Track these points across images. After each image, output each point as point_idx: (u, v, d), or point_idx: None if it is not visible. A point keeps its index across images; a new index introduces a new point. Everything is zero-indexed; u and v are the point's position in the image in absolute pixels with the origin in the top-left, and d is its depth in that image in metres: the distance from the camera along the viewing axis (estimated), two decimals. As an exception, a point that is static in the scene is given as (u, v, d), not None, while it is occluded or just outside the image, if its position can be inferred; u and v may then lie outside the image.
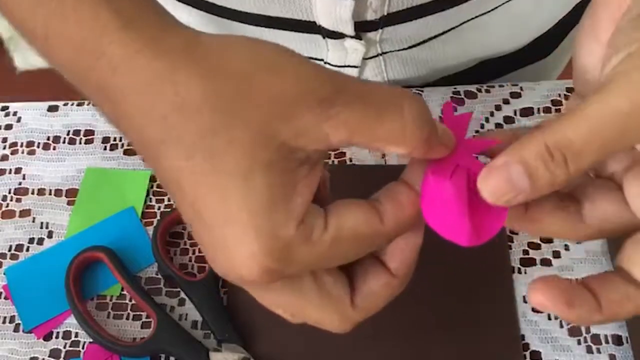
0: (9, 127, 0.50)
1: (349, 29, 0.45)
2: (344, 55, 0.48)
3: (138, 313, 0.44)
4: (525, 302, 0.43)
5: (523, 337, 0.42)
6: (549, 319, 0.42)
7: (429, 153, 0.27)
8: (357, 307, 0.29)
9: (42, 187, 0.48)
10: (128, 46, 0.25)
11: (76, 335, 0.43)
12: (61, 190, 0.48)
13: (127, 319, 0.43)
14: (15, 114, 0.51)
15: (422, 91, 0.50)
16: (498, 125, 0.49)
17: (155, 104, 0.25)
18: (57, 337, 0.43)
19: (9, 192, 0.48)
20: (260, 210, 0.25)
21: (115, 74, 0.25)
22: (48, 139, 0.50)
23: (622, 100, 0.24)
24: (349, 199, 0.27)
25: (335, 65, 0.49)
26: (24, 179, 0.48)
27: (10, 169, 0.49)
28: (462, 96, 0.50)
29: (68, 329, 0.43)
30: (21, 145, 0.49)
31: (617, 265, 0.28)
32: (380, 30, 0.46)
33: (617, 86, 0.25)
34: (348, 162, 0.48)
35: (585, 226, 0.28)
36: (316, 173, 0.26)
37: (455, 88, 0.50)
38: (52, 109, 0.51)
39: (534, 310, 0.43)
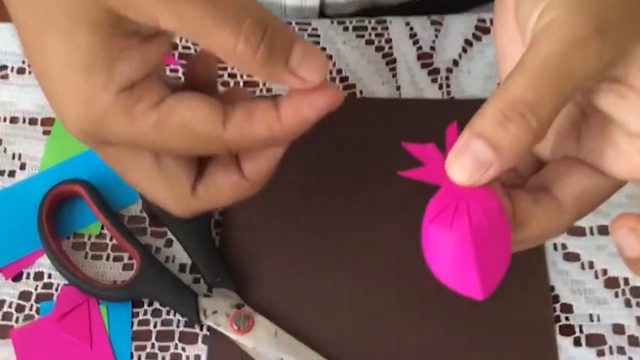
0: (-21, 49, 0.45)
1: None
2: None
3: (119, 254, 0.39)
4: (555, 249, 0.38)
5: (553, 288, 0.37)
6: (582, 268, 0.38)
7: (272, 79, 0.26)
8: (198, 195, 0.29)
9: (15, 115, 0.43)
10: None
11: (49, 277, 0.38)
12: (36, 119, 0.43)
13: (107, 260, 0.39)
14: (-14, 35, 0.45)
15: (442, 18, 0.45)
16: (527, 57, 0.44)
17: None
18: (27, 278, 0.38)
19: (-22, 120, 0.43)
20: (80, 70, 0.25)
21: None
22: (23, 62, 0.44)
23: (552, 44, 0.24)
24: (201, 93, 0.27)
25: None
26: (-5, 105, 0.43)
27: (-20, 95, 0.44)
28: (488, 24, 0.45)
29: (40, 269, 0.38)
30: (-7, 69, 0.44)
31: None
32: None
33: (542, 37, 0.25)
34: (359, 95, 0.43)
35: (564, 209, 0.27)
36: (152, 47, 0.26)
37: (480, 15, 0.45)
38: (29, 30, 0.45)
39: (565, 258, 0.38)
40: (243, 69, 0.27)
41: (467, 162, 0.24)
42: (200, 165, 0.29)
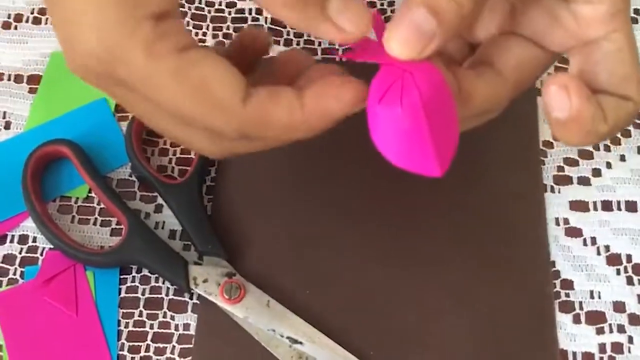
0: (-38, 1, 0.43)
1: None
2: None
3: (107, 218, 0.37)
4: (557, 224, 0.37)
5: (554, 263, 0.36)
6: (585, 244, 0.37)
7: (314, 28, 0.23)
8: (251, 103, 0.24)
9: (0, 71, 0.41)
10: None
11: (34, 240, 0.37)
12: (22, 75, 0.41)
13: (94, 224, 0.37)
14: (-30, -14, 0.43)
15: None
16: None
17: None
18: (11, 242, 0.37)
19: (-39, 76, 0.41)
20: None
21: None
22: (8, 17, 0.43)
23: None
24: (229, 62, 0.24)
25: None
26: (-21, 61, 0.41)
27: (-37, 49, 0.42)
28: None
29: (24, 232, 0.37)
30: (-24, 23, 0.42)
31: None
32: None
33: None
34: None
35: (506, 80, 0.27)
36: None
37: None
38: (14, -18, 0.43)
39: (567, 234, 0.37)
40: (273, 10, 0.24)
41: (408, 33, 0.23)
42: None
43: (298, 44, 0.42)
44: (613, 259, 0.36)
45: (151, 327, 0.35)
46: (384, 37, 0.24)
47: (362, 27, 0.24)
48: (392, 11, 0.43)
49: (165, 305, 0.36)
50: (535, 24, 0.27)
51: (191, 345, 0.35)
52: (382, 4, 0.43)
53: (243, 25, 0.43)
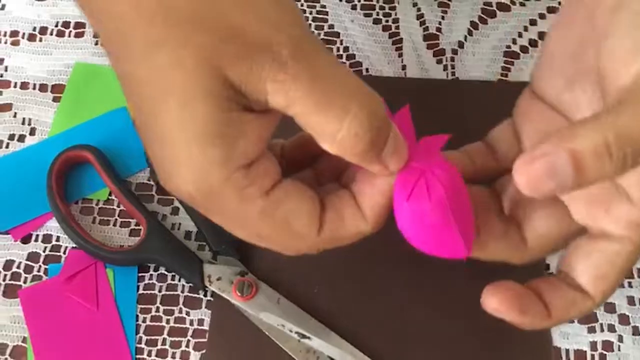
0: (-9, 14, 0.45)
1: None
2: None
3: (126, 220, 0.40)
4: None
5: (548, 266, 0.38)
6: (578, 248, 0.39)
7: (363, 165, 0.26)
8: (323, 231, 0.27)
9: (26, 80, 0.43)
10: None
11: (57, 240, 0.39)
12: (46, 85, 0.43)
13: (115, 225, 0.39)
14: (-2, 0, 0.46)
15: (449, 1, 0.46)
16: (532, 42, 0.44)
17: None
18: (36, 240, 0.39)
19: (-11, 84, 0.43)
20: (198, 141, 0.24)
21: None
22: (34, 29, 0.45)
23: None
24: (304, 185, 0.27)
25: None
26: (5, 70, 0.43)
27: (-9, 59, 0.44)
28: (494, 8, 0.46)
29: (49, 232, 0.39)
30: (4, 35, 0.45)
31: (561, 269, 0.29)
32: None
33: None
34: (364, 73, 0.44)
35: (528, 248, 0.29)
36: (265, 124, 0.25)
37: (486, -1, 0.46)
38: (40, -3, 0.46)
39: (561, 238, 0.39)
40: (338, 152, 0.25)
41: (542, 171, 0.22)
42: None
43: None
44: (604, 262, 0.38)
45: (167, 322, 0.37)
46: (516, 164, 0.23)
47: (402, 164, 0.26)
48: (397, 28, 0.45)
49: (181, 301, 0.38)
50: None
51: (205, 339, 0.37)
52: (387, 21, 0.45)
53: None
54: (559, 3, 0.46)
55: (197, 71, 0.23)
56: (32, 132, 0.42)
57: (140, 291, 0.38)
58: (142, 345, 0.36)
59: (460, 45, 0.45)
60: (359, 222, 0.27)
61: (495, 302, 0.27)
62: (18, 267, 0.38)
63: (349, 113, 0.24)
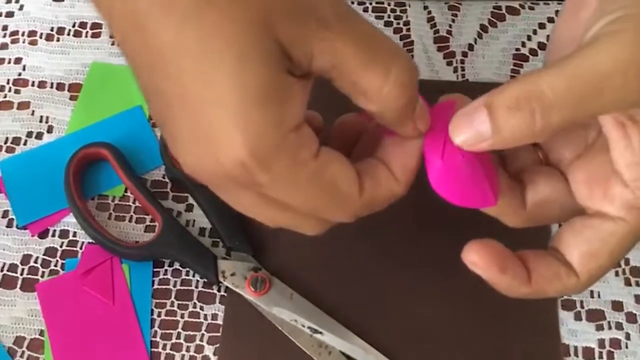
0: (10, 14, 0.46)
1: None
2: None
3: (142, 216, 0.40)
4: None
5: (556, 264, 0.39)
6: (586, 247, 0.39)
7: (398, 124, 0.27)
8: (365, 192, 0.27)
9: (43, 79, 0.44)
10: None
11: (74, 235, 0.40)
12: (64, 84, 0.44)
13: (130, 221, 0.40)
14: (17, 1, 0.47)
15: (459, 4, 0.46)
16: (540, 45, 0.45)
17: None
18: (53, 236, 0.40)
19: (8, 83, 0.44)
20: (254, 100, 0.23)
21: None
22: (52, 29, 0.46)
23: (606, 59, 0.24)
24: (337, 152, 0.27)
25: None
26: (24, 69, 0.44)
27: (10, 59, 0.45)
28: (504, 11, 0.46)
29: (66, 227, 0.40)
30: (22, 35, 0.45)
31: (552, 245, 0.28)
32: None
33: (602, 44, 0.24)
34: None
35: (526, 212, 0.29)
36: (304, 89, 0.25)
37: (496, 3, 0.46)
38: (58, -2, 0.47)
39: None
40: (380, 106, 0.26)
41: (466, 126, 0.26)
42: None
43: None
44: (612, 261, 0.39)
45: (182, 316, 0.38)
46: (453, 117, 0.27)
47: (428, 126, 0.28)
48: (408, 30, 0.46)
49: (195, 296, 0.38)
50: (589, 173, 0.28)
51: (219, 334, 0.37)
52: (398, 23, 0.46)
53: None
54: (568, 7, 0.46)
55: (251, 29, 0.23)
56: (50, 129, 0.43)
57: (155, 286, 0.38)
58: (157, 339, 0.37)
59: (470, 47, 0.45)
60: (393, 184, 0.28)
61: (475, 256, 0.27)
62: (36, 262, 0.39)
63: (392, 69, 0.25)
